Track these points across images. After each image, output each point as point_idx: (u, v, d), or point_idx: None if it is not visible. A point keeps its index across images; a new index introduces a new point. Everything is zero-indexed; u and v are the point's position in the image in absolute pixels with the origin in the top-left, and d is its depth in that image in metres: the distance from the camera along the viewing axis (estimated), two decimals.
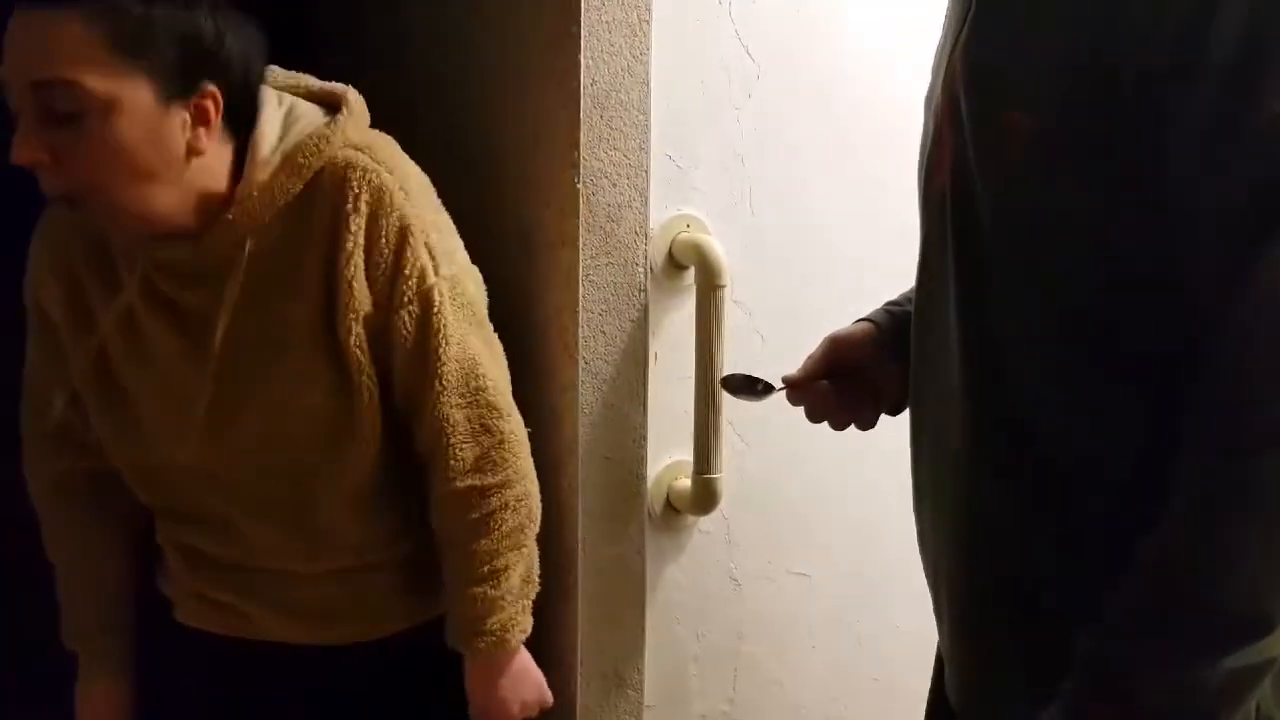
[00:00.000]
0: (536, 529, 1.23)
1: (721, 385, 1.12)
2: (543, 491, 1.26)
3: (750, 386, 1.04)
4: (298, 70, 1.19)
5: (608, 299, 1.30)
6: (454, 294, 1.14)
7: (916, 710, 1.04)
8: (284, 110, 1.12)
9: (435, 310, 1.12)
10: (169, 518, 1.25)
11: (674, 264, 1.35)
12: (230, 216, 1.08)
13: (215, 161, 1.07)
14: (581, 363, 1.29)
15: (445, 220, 1.17)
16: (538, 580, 1.24)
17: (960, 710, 0.92)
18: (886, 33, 1.44)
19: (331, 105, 1.15)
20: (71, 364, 1.18)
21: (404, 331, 1.12)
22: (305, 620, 1.22)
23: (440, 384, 1.13)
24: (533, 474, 1.22)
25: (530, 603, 1.23)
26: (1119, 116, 0.75)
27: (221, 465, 1.15)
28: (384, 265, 1.10)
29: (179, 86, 1.02)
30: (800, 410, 1.06)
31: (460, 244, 1.18)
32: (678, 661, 1.45)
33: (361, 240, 1.09)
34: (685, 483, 1.37)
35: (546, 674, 1.26)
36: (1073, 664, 0.78)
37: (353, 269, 1.09)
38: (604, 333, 1.30)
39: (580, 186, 1.27)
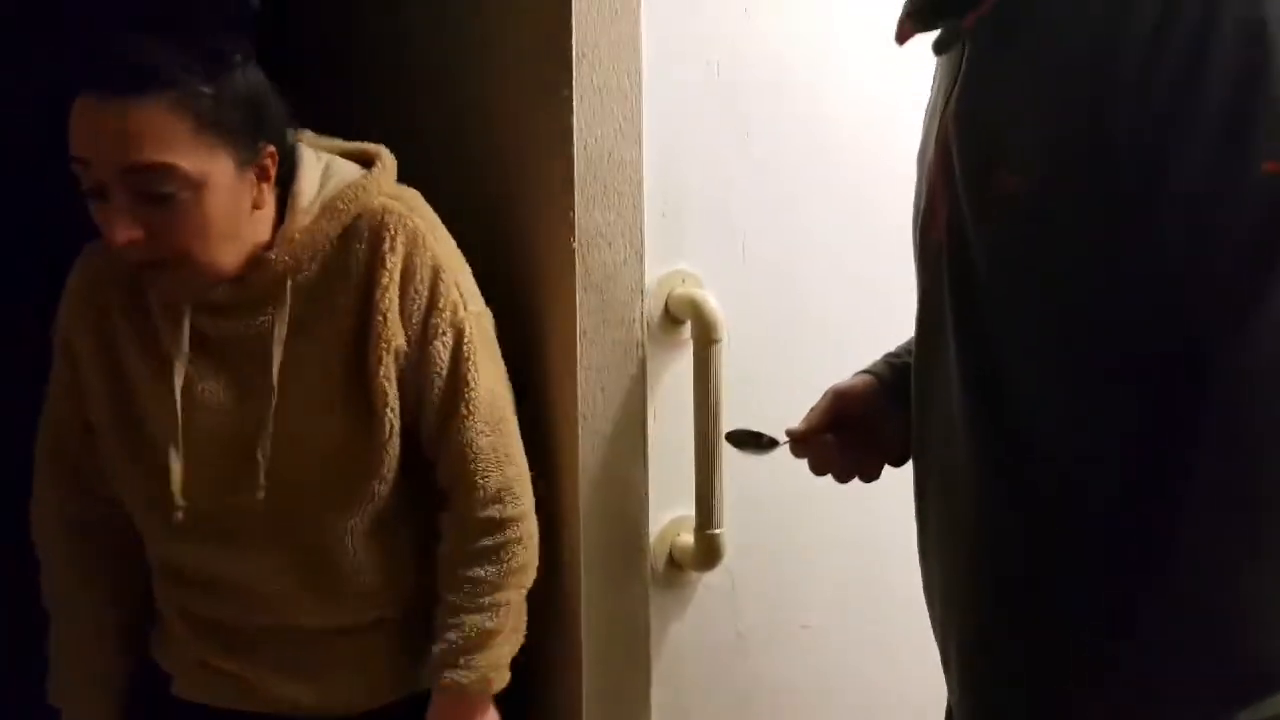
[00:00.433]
0: (534, 576, 1.24)
1: (726, 440, 1.13)
2: (544, 551, 1.26)
3: (755, 441, 1.05)
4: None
5: (606, 356, 1.30)
6: (480, 329, 1.22)
7: None
8: (322, 165, 1.20)
9: (467, 340, 1.20)
10: (172, 577, 1.24)
11: (670, 319, 1.36)
12: (272, 256, 1.15)
13: (267, 211, 1.15)
14: (581, 420, 1.30)
15: (467, 267, 1.25)
16: (523, 634, 1.23)
17: None
18: (874, 86, 1.46)
19: (364, 161, 1.23)
20: (95, 409, 1.21)
21: (438, 362, 1.18)
22: (310, 683, 1.21)
23: (468, 409, 1.19)
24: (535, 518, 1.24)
25: (512, 654, 1.22)
26: (1110, 175, 0.76)
27: (244, 503, 1.15)
28: (419, 301, 1.17)
29: (249, 153, 1.11)
30: (803, 462, 1.07)
31: (466, 267, 1.25)
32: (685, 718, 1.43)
33: (397, 277, 1.17)
34: (688, 539, 1.37)
35: None
36: None
37: (387, 303, 1.16)
38: (603, 390, 1.31)
39: (576, 246, 1.28)
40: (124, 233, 1.05)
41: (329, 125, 1.28)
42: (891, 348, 1.10)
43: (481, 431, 1.20)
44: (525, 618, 1.25)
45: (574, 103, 1.27)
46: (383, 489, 1.18)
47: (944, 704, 0.99)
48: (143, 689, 1.29)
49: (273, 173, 1.14)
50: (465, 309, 1.20)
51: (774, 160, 1.43)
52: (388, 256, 1.16)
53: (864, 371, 1.05)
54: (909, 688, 1.54)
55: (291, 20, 1.90)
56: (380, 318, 1.16)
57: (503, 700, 1.25)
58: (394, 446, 1.18)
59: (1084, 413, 0.80)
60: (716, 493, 1.33)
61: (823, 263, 1.47)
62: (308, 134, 1.23)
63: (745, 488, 1.44)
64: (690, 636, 1.43)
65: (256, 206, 1.13)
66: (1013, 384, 0.83)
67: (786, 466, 1.12)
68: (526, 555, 1.22)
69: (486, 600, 1.20)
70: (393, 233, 1.17)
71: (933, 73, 0.96)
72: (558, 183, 1.29)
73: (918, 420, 0.93)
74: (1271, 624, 0.74)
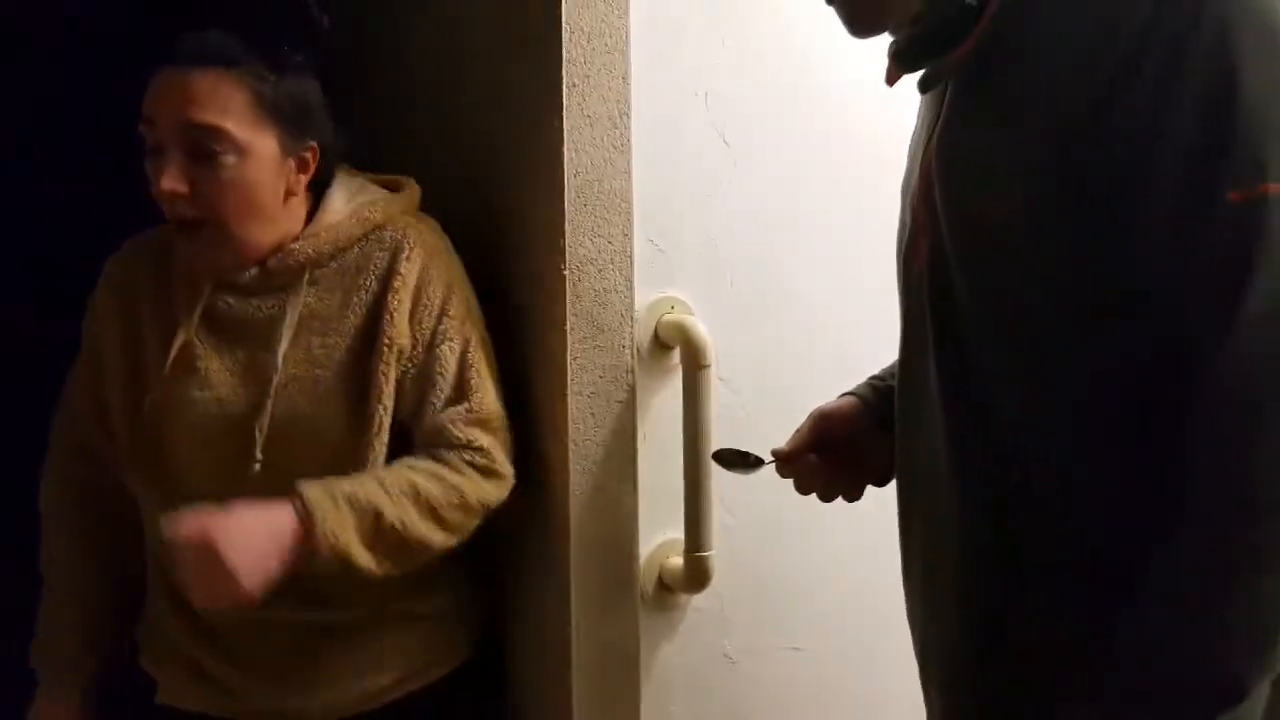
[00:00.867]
0: (441, 547, 1.20)
1: (713, 459, 1.15)
2: (535, 575, 1.27)
3: (741, 460, 1.07)
4: None
5: (596, 381, 1.32)
6: (484, 343, 1.28)
7: None
8: (356, 183, 1.31)
9: (473, 349, 1.26)
10: (168, 564, 1.24)
11: (660, 345, 1.38)
12: (296, 246, 1.23)
13: (299, 208, 1.25)
14: (571, 445, 1.31)
15: (472, 295, 1.31)
16: (382, 569, 1.17)
17: None
18: (860, 114, 1.49)
19: (393, 188, 1.33)
20: (110, 386, 1.27)
21: (444, 363, 1.24)
22: (289, 683, 1.22)
23: (470, 409, 1.24)
24: (482, 510, 1.23)
25: (358, 557, 1.15)
26: (1085, 204, 0.79)
27: (239, 481, 1.18)
28: (430, 308, 1.25)
29: (294, 141, 1.22)
30: (789, 484, 1.09)
31: (470, 289, 1.31)
32: None
33: (412, 283, 1.25)
34: (677, 561, 1.38)
35: None
36: None
37: (397, 304, 1.23)
38: (593, 414, 1.32)
39: (567, 273, 1.30)
40: (170, 182, 1.15)
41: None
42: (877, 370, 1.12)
43: (481, 432, 1.24)
44: (405, 555, 1.18)
45: (564, 133, 1.29)
46: None
47: None
48: (126, 697, 1.30)
49: (312, 168, 1.23)
50: (473, 323, 1.27)
51: (762, 188, 1.46)
52: (404, 264, 1.24)
53: (848, 394, 1.07)
54: (899, 707, 1.55)
55: None
56: (389, 316, 1.23)
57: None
58: (382, 442, 1.22)
59: (1061, 436, 0.83)
60: (705, 516, 1.35)
61: (811, 288, 1.49)
62: (345, 167, 1.32)
63: (735, 510, 1.46)
64: (680, 658, 1.44)
65: (291, 193, 1.22)
66: (993, 409, 0.86)
67: (775, 489, 1.14)
68: (465, 510, 1.20)
69: (399, 490, 1.16)
70: (413, 244, 1.26)
71: (918, 105, 0.99)
72: (549, 211, 1.32)
73: (901, 442, 0.95)
74: (1245, 632, 0.76)
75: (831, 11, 0.94)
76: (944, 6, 0.87)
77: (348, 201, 1.27)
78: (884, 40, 0.95)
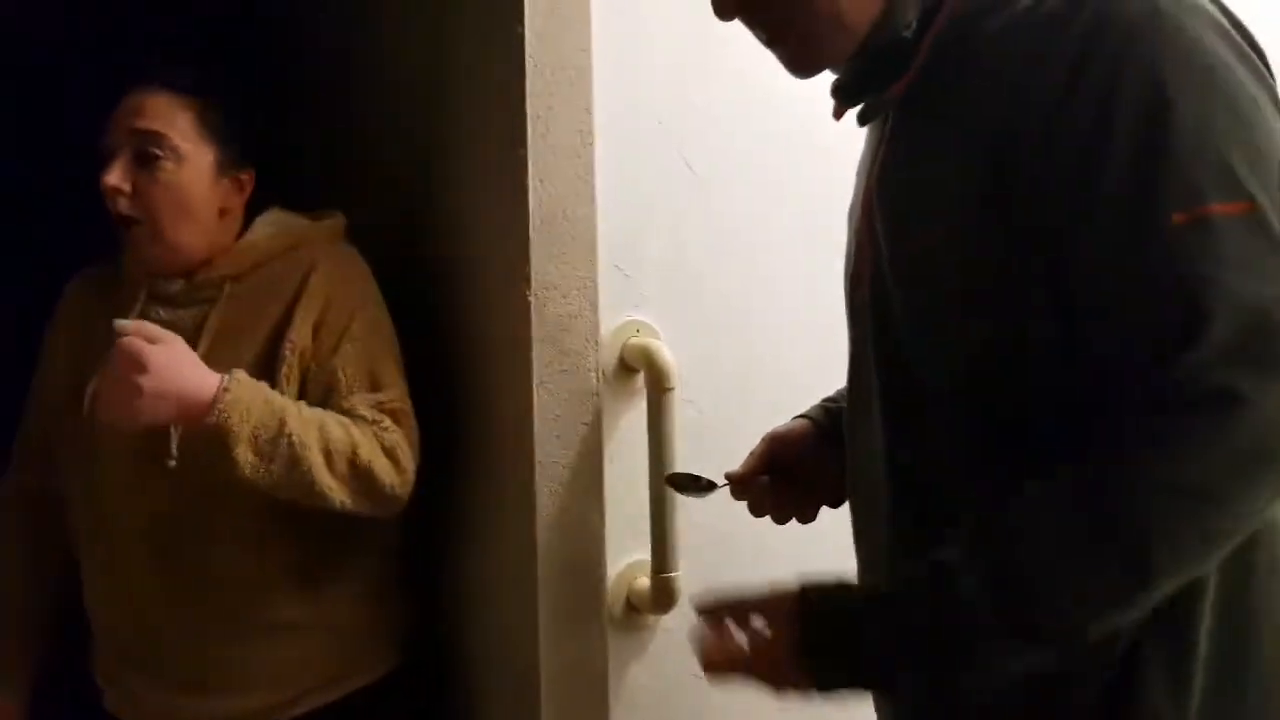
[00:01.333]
0: (322, 490, 1.24)
1: (666, 483, 1.16)
2: (501, 597, 1.28)
3: (694, 484, 1.09)
4: None
5: (561, 404, 1.34)
6: (397, 361, 1.36)
7: None
8: (286, 215, 1.43)
9: (381, 359, 1.34)
10: (92, 576, 1.37)
11: (625, 368, 1.40)
12: (221, 261, 1.37)
13: (232, 226, 1.38)
14: (538, 466, 1.33)
15: (389, 320, 1.39)
16: (256, 475, 1.21)
17: None
18: (823, 140, 1.51)
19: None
20: (56, 394, 1.40)
21: (347, 366, 1.32)
22: (185, 691, 1.31)
23: (382, 401, 1.32)
24: (367, 478, 1.27)
25: (244, 461, 1.20)
26: (1020, 233, 0.80)
27: (154, 483, 1.28)
28: (334, 324, 1.33)
29: (230, 163, 1.36)
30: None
31: (387, 316, 1.39)
32: None
33: (319, 298, 1.35)
34: (644, 582, 1.40)
35: None
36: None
37: (302, 313, 1.34)
38: (558, 437, 1.35)
39: (532, 299, 1.33)
40: (113, 178, 1.30)
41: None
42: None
43: (391, 421, 1.30)
44: (289, 474, 1.22)
45: (528, 161, 1.32)
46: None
47: None
48: (79, 703, 1.39)
49: (247, 191, 1.38)
50: (381, 343, 1.36)
51: (727, 211, 1.48)
52: (313, 279, 1.36)
53: (801, 416, 1.09)
54: None
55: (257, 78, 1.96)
56: (293, 323, 1.33)
57: None
58: None
59: (997, 460, 0.84)
60: (671, 537, 1.36)
61: (776, 311, 1.52)
62: (281, 206, 1.44)
63: (705, 532, 1.47)
64: (650, 679, 1.45)
65: (225, 210, 1.36)
66: (931, 431, 0.88)
67: (746, 510, 1.16)
68: (349, 473, 1.25)
69: (310, 416, 1.25)
70: (324, 265, 1.37)
71: (865, 134, 1.01)
72: (514, 238, 1.34)
73: (850, 462, 0.97)
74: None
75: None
76: (881, 41, 0.90)
77: (274, 225, 1.40)
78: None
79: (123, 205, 1.32)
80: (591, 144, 1.35)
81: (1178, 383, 0.74)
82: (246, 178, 1.38)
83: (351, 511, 1.27)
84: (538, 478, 1.33)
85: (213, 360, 1.26)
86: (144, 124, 1.32)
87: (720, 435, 1.47)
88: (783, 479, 1.06)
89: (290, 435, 1.22)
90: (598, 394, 1.37)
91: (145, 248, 1.34)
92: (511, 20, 1.33)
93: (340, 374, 1.31)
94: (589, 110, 1.36)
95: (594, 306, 1.37)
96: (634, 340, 1.40)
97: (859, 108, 0.96)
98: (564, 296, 1.35)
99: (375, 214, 1.59)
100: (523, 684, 1.35)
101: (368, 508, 1.28)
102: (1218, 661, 0.81)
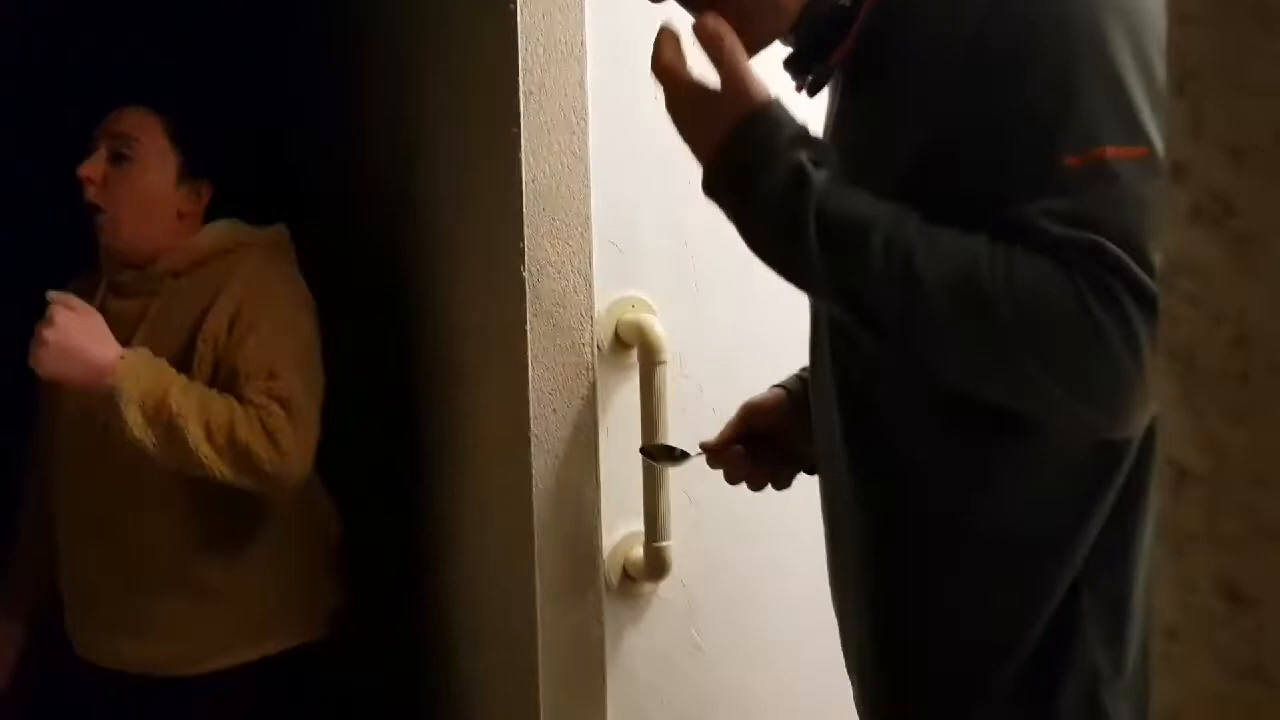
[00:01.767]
0: (201, 460, 1.37)
1: (640, 453, 1.19)
2: (500, 567, 1.32)
3: (668, 454, 1.11)
4: None
5: (556, 379, 1.37)
6: (299, 361, 1.47)
7: None
8: (235, 224, 1.57)
9: (282, 357, 1.44)
10: (60, 526, 1.57)
11: (621, 343, 1.42)
12: (164, 258, 1.53)
13: (188, 230, 1.54)
14: (534, 440, 1.36)
15: (303, 311, 1.52)
16: (145, 436, 1.37)
17: None
18: (819, 106, 1.52)
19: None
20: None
21: (248, 356, 1.45)
22: (138, 636, 1.49)
23: (272, 389, 1.42)
24: (245, 456, 1.38)
25: (131, 412, 1.36)
26: (957, 186, 0.82)
27: (91, 445, 1.47)
28: (244, 320, 1.47)
29: (191, 172, 1.53)
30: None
31: (311, 323, 1.51)
32: None
33: (236, 296, 1.48)
34: (639, 552, 1.42)
35: None
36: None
37: (219, 309, 1.48)
38: (554, 411, 1.37)
39: (526, 275, 1.35)
40: (87, 169, 1.50)
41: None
42: None
43: (278, 407, 1.40)
44: (171, 440, 1.37)
45: (522, 139, 1.34)
46: None
47: None
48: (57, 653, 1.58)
49: (203, 199, 1.54)
50: (288, 341, 1.47)
51: None
52: (235, 279, 1.50)
53: (777, 385, 1.11)
54: None
55: (256, 65, 1.99)
56: (210, 318, 1.48)
57: (460, 709, 1.31)
58: None
59: (931, 416, 0.87)
60: (664, 508, 1.39)
61: (770, 285, 1.53)
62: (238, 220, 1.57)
63: (700, 504, 1.50)
64: (648, 646, 1.48)
65: (181, 215, 1.53)
66: (875, 394, 0.90)
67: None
68: (227, 447, 1.38)
69: (196, 391, 1.40)
70: (250, 269, 1.52)
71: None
72: (508, 215, 1.36)
73: (815, 433, 0.99)
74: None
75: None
76: (819, 11, 0.91)
77: (220, 231, 1.55)
78: None
79: (92, 193, 1.51)
80: (585, 120, 1.37)
81: (1072, 278, 0.77)
82: (205, 189, 1.54)
83: (234, 485, 1.40)
84: (533, 450, 1.36)
85: (146, 344, 1.46)
86: (121, 129, 1.52)
87: (714, 408, 1.49)
88: (758, 447, 1.08)
89: (173, 404, 1.38)
90: (593, 369, 1.39)
91: (106, 235, 1.52)
92: None
93: (240, 364, 1.44)
94: (582, 86, 1.37)
95: (588, 283, 1.39)
96: (628, 315, 1.42)
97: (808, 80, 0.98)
98: (558, 273, 1.37)
99: (367, 191, 1.61)
100: (521, 653, 1.38)
101: (250, 483, 1.41)
102: (1150, 621, 0.83)
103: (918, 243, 0.80)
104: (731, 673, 1.53)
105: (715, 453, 1.08)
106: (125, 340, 1.45)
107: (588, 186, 1.38)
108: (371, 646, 1.78)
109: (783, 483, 1.10)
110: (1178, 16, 0.42)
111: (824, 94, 1.00)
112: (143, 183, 1.51)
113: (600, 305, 1.41)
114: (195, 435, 1.37)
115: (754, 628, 1.55)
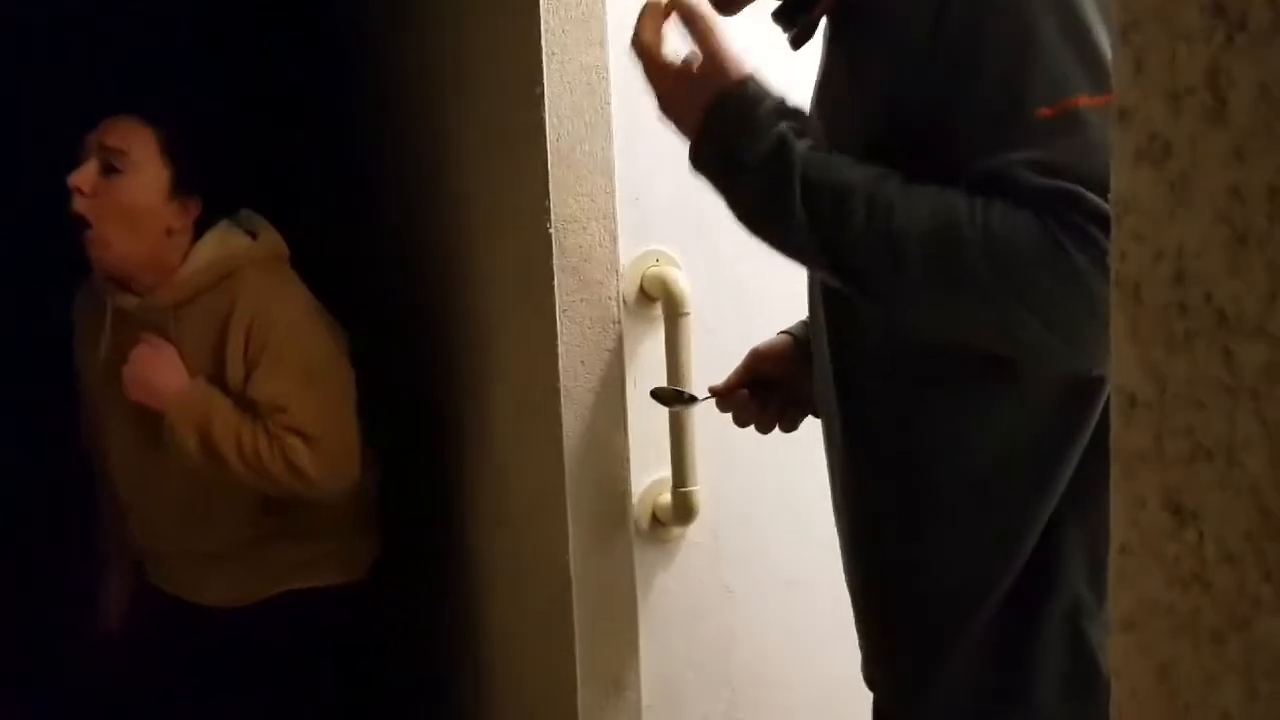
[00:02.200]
0: (239, 475, 1.51)
1: (651, 397, 1.23)
2: (534, 513, 1.37)
3: (678, 397, 1.15)
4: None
5: (584, 332, 1.41)
6: (312, 373, 1.56)
7: None
8: (224, 234, 1.58)
9: (291, 374, 1.54)
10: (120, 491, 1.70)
11: (645, 296, 1.46)
12: (164, 290, 1.56)
13: (179, 244, 1.56)
14: (564, 392, 1.41)
15: (312, 316, 1.59)
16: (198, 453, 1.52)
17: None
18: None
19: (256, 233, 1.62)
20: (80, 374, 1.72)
21: (254, 391, 1.54)
22: (205, 587, 1.65)
23: (288, 423, 1.53)
24: (308, 494, 1.52)
25: (188, 447, 1.51)
26: (934, 135, 0.85)
27: (134, 471, 1.61)
28: (255, 344, 1.54)
29: (182, 188, 1.53)
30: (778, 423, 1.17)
31: (320, 333, 1.59)
32: (674, 665, 1.54)
33: (241, 328, 1.55)
34: (667, 497, 1.47)
35: (548, 681, 1.37)
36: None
37: (231, 346, 1.55)
38: (583, 364, 1.42)
39: (552, 231, 1.39)
40: (78, 177, 1.50)
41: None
42: None
43: (297, 440, 1.51)
44: (225, 467, 1.52)
45: (545, 99, 1.37)
46: None
47: None
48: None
49: (191, 214, 1.55)
50: (299, 355, 1.55)
51: None
52: (237, 312, 1.55)
53: (784, 331, 1.15)
54: None
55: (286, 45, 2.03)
56: (226, 354, 1.55)
57: (498, 649, 1.36)
58: None
59: (912, 376, 0.91)
60: (689, 454, 1.43)
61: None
62: (244, 212, 1.61)
63: (726, 451, 1.54)
64: (676, 587, 1.53)
65: (170, 231, 1.54)
66: (864, 352, 0.94)
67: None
68: (257, 475, 1.51)
69: (238, 419, 1.51)
70: (246, 296, 1.55)
71: None
72: (533, 174, 1.40)
73: (815, 378, 1.03)
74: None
75: None
76: None
77: (213, 250, 1.56)
78: None
79: (80, 204, 1.50)
80: (606, 79, 1.40)
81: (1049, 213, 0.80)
82: (194, 204, 1.54)
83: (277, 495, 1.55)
84: (563, 402, 1.41)
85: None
86: (111, 141, 1.51)
87: (736, 358, 1.52)
88: (765, 391, 1.12)
89: (215, 436, 1.51)
90: (618, 321, 1.43)
91: (94, 249, 1.54)
92: None
93: (254, 396, 1.53)
94: (602, 45, 1.40)
95: (613, 238, 1.42)
96: (652, 269, 1.46)
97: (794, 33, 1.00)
98: (584, 228, 1.41)
99: (395, 152, 1.65)
100: (556, 596, 1.44)
101: (289, 496, 1.55)
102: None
103: (898, 202, 0.83)
104: (758, 612, 1.58)
105: (723, 396, 1.12)
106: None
107: (610, 144, 1.41)
108: (410, 590, 1.86)
109: (789, 425, 1.14)
110: None
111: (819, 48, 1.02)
112: (132, 196, 1.51)
113: (625, 260, 1.45)
114: (235, 464, 1.51)
115: (780, 568, 1.60)
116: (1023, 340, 0.81)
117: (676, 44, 0.98)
